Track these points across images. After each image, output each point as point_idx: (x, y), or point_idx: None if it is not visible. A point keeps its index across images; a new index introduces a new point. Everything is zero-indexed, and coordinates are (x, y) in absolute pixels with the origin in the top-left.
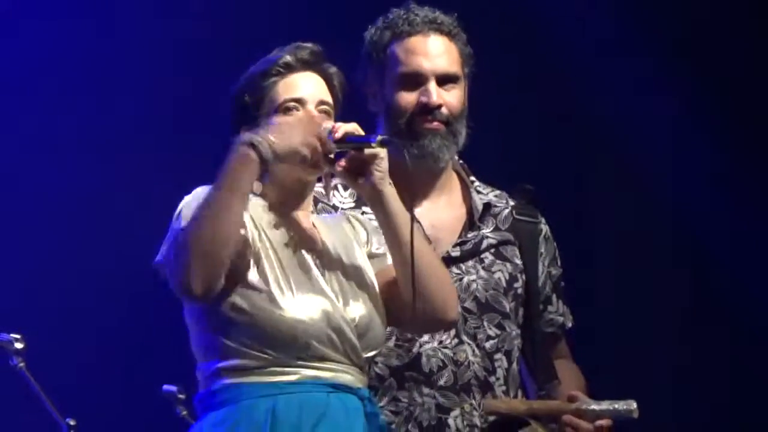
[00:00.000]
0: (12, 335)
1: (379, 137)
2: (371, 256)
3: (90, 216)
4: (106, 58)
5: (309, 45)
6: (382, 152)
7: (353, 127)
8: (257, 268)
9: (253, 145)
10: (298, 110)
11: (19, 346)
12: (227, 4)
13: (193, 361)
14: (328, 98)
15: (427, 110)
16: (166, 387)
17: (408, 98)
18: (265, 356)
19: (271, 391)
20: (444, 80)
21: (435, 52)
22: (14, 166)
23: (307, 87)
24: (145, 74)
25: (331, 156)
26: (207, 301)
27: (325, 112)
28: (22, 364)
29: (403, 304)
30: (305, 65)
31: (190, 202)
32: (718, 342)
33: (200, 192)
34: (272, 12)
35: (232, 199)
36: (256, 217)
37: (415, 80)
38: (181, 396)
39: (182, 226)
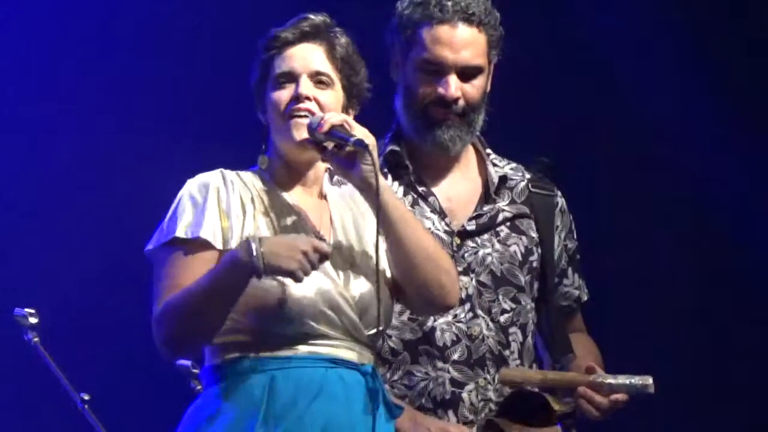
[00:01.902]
0: (26, 310)
1: (354, 138)
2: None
3: (103, 190)
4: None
5: (311, 16)
6: (371, 146)
7: (340, 120)
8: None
9: (250, 257)
10: (289, 83)
11: (33, 320)
12: None
13: None
14: (326, 68)
15: (444, 102)
16: (179, 361)
17: (426, 86)
18: (263, 334)
19: (268, 366)
20: (465, 72)
21: (460, 43)
22: (29, 142)
23: (300, 60)
24: (148, 63)
25: (323, 145)
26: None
27: (321, 82)
28: (36, 339)
29: (403, 286)
30: (304, 37)
31: (185, 204)
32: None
33: (191, 184)
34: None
35: (219, 297)
36: (261, 194)
37: (437, 69)
38: (195, 370)
39: (173, 235)
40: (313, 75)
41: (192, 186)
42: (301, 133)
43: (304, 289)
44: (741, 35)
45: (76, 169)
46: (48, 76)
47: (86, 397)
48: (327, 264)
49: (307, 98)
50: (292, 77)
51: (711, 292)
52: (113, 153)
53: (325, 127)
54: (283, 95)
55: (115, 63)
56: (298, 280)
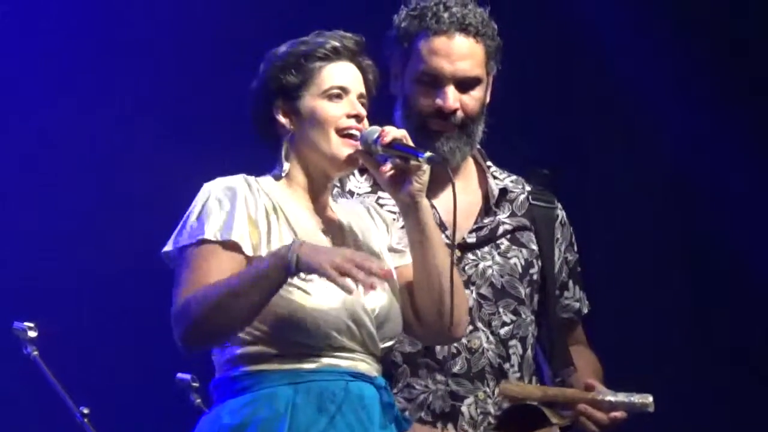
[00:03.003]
0: (26, 323)
1: (427, 154)
2: (391, 249)
3: (102, 203)
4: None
5: (351, 35)
6: (425, 165)
7: (402, 134)
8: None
9: (288, 260)
10: (341, 97)
11: (32, 334)
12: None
13: (207, 349)
14: (364, 91)
15: (442, 114)
16: (179, 375)
17: (425, 98)
18: (286, 344)
19: (292, 378)
20: (463, 84)
21: (458, 55)
22: (27, 156)
23: (351, 77)
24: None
25: (373, 157)
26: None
27: (363, 104)
28: (35, 353)
29: (415, 311)
30: (349, 54)
31: (212, 206)
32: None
33: (215, 187)
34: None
35: (249, 295)
36: (280, 203)
37: (434, 81)
38: (195, 384)
39: (201, 237)
40: (360, 96)
41: (216, 189)
42: (349, 150)
43: (330, 301)
44: (740, 39)
45: (74, 184)
46: (46, 83)
47: (86, 411)
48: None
49: (363, 119)
50: (344, 92)
51: (705, 295)
52: (113, 167)
53: (388, 139)
54: (338, 110)
55: (111, 66)
56: (328, 278)
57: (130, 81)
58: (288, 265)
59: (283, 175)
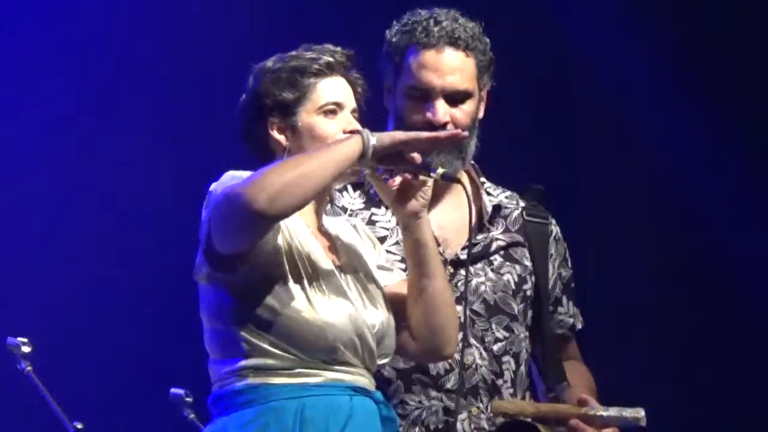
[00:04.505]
0: (20, 339)
1: (440, 170)
2: (380, 267)
3: (96, 219)
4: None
5: (341, 49)
6: (430, 181)
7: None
8: (289, 268)
9: (362, 138)
10: (335, 113)
11: (26, 349)
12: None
13: (201, 364)
14: (356, 105)
15: (432, 128)
16: (173, 390)
17: (415, 112)
18: (292, 357)
19: (299, 393)
20: (453, 97)
21: (447, 68)
22: (19, 172)
23: (345, 92)
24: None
25: (375, 170)
26: (261, 229)
27: (356, 119)
28: (29, 368)
29: (407, 327)
30: (341, 69)
31: (233, 177)
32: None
33: (231, 174)
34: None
35: (329, 162)
36: (288, 226)
37: (424, 95)
38: (189, 399)
39: (240, 186)
40: (353, 111)
41: (227, 177)
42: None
43: (336, 315)
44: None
45: (68, 199)
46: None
47: (79, 426)
48: (347, 290)
49: None
50: (339, 108)
51: (700, 309)
52: (108, 180)
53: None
54: (334, 126)
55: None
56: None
57: (130, 83)
58: (365, 151)
59: None
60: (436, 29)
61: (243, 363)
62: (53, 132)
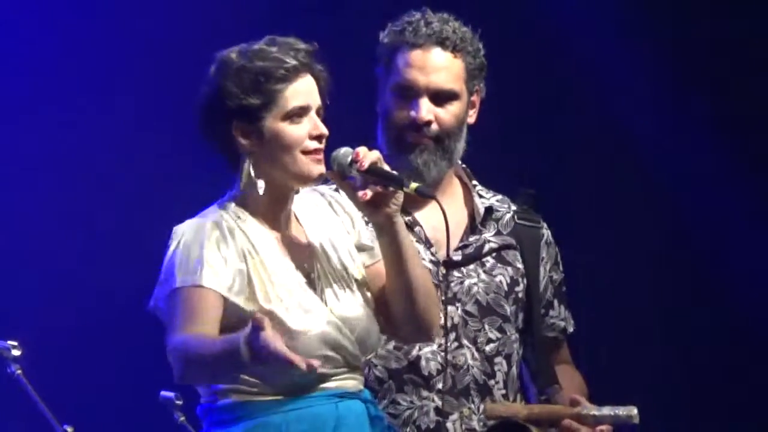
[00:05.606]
0: (9, 342)
1: (413, 185)
2: (360, 247)
3: (84, 221)
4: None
5: (303, 45)
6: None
7: (377, 157)
8: (261, 297)
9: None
10: (302, 116)
11: (16, 353)
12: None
13: None
14: (320, 102)
15: (416, 126)
16: (163, 393)
17: (400, 110)
18: (271, 376)
19: (283, 407)
20: (438, 96)
21: (432, 67)
22: (11, 173)
23: (310, 93)
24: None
25: (345, 178)
26: None
27: (320, 116)
28: (19, 371)
29: (388, 313)
30: (304, 67)
31: (184, 251)
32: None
33: (188, 228)
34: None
35: (219, 364)
36: (247, 232)
37: (409, 93)
38: (179, 402)
39: (175, 286)
40: (318, 110)
41: (186, 234)
42: (319, 168)
43: (306, 339)
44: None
45: (58, 202)
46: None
47: (69, 429)
48: (321, 301)
49: (324, 138)
50: (305, 111)
51: (696, 307)
52: (99, 182)
53: (366, 164)
54: (301, 130)
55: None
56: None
57: (129, 86)
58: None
59: (261, 193)
60: (425, 29)
61: (226, 386)
62: (35, 132)
